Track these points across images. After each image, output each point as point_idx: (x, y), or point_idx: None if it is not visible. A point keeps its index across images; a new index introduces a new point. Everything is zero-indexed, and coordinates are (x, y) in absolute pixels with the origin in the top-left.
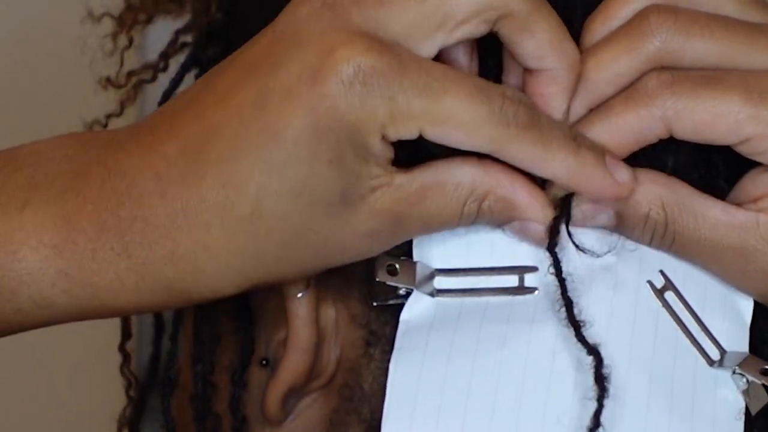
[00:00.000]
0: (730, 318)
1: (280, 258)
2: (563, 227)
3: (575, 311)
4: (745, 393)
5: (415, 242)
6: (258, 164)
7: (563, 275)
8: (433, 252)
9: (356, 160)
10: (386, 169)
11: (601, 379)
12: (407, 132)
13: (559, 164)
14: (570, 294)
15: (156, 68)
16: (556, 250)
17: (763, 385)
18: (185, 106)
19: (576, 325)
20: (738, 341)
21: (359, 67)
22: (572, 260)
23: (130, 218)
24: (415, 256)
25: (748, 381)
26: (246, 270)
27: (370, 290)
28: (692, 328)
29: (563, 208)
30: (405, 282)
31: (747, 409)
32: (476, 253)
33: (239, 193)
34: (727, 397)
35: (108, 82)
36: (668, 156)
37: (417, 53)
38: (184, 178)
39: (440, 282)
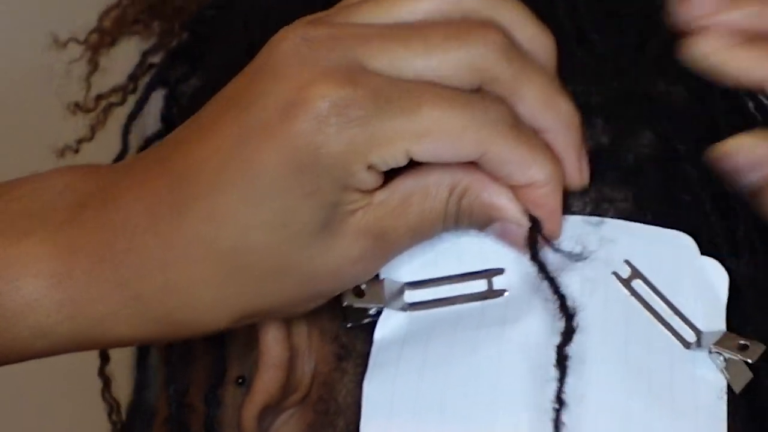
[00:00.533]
0: (704, 297)
1: (272, 290)
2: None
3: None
4: (725, 371)
5: None
6: (238, 198)
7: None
8: (402, 267)
9: (334, 191)
10: (365, 192)
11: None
12: (393, 157)
13: (541, 168)
14: (528, 293)
15: (126, 90)
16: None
17: (745, 361)
18: (175, 141)
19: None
20: (715, 320)
21: (333, 102)
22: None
23: (124, 251)
24: (382, 273)
25: (725, 359)
26: (238, 303)
27: (341, 312)
28: (665, 313)
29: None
30: (374, 301)
31: (730, 388)
32: (444, 263)
33: (221, 227)
34: (706, 378)
35: (76, 107)
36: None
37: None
38: (172, 214)
39: (410, 296)
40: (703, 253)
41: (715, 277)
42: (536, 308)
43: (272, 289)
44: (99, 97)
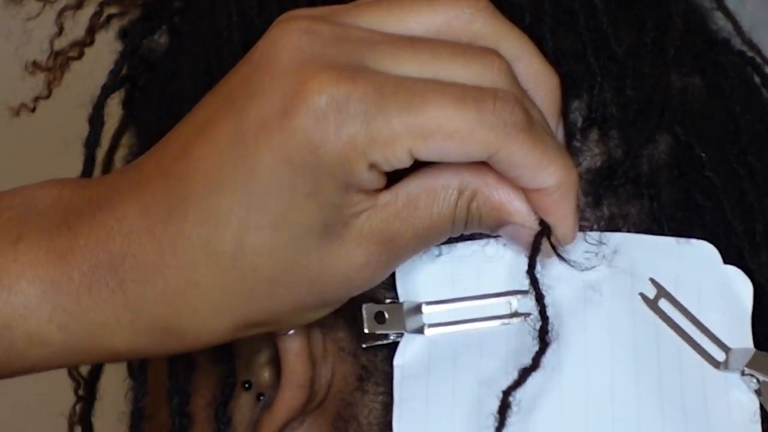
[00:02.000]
0: (730, 309)
1: (273, 296)
2: (547, 241)
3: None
4: (758, 393)
5: (398, 276)
6: (237, 199)
7: (543, 294)
8: (419, 285)
9: (335, 191)
10: (369, 194)
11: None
12: (396, 156)
13: (552, 173)
14: (557, 318)
15: (83, 44)
16: (543, 268)
17: None
18: (172, 140)
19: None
20: (741, 333)
21: (332, 98)
22: (564, 278)
23: (121, 254)
24: (400, 291)
25: (758, 380)
26: (239, 309)
27: (358, 333)
28: (692, 331)
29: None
30: (395, 328)
31: (762, 408)
32: (463, 283)
33: (221, 229)
34: (740, 400)
35: (35, 66)
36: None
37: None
38: (169, 215)
39: (429, 316)
40: (725, 261)
41: (740, 286)
42: (571, 337)
43: (275, 295)
44: (57, 54)
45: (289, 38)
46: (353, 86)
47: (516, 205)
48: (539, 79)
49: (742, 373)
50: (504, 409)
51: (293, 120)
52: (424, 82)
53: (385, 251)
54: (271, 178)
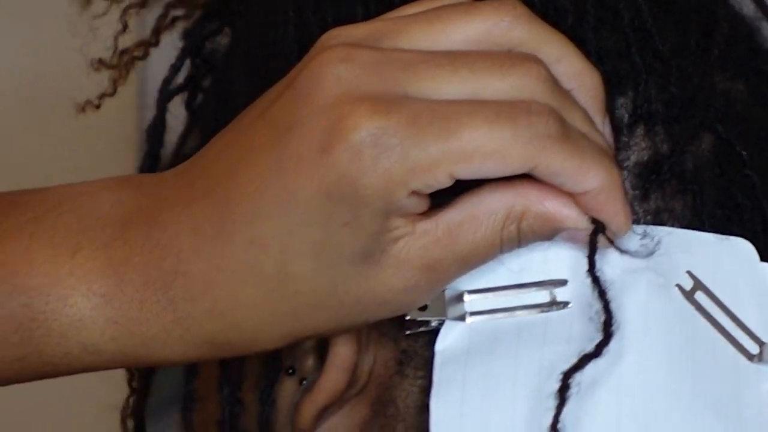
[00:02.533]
0: (766, 305)
1: (316, 316)
2: (602, 235)
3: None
4: None
5: None
6: (278, 226)
7: (601, 282)
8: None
9: (374, 219)
10: (408, 219)
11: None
12: (436, 180)
13: (593, 178)
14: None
15: (148, 44)
16: (596, 257)
17: None
18: (219, 153)
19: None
20: None
21: (368, 133)
22: (604, 271)
23: (172, 272)
24: None
25: None
26: (284, 326)
27: (400, 319)
28: (727, 324)
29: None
30: (436, 314)
31: None
32: (504, 273)
33: (265, 253)
34: None
35: (101, 64)
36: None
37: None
38: (217, 235)
39: (471, 304)
40: (763, 259)
41: None
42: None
43: (319, 315)
44: (123, 52)
45: (329, 68)
46: (387, 119)
47: (566, 212)
48: (581, 79)
49: None
50: (564, 390)
51: (330, 157)
52: (458, 104)
53: (424, 277)
54: (310, 208)
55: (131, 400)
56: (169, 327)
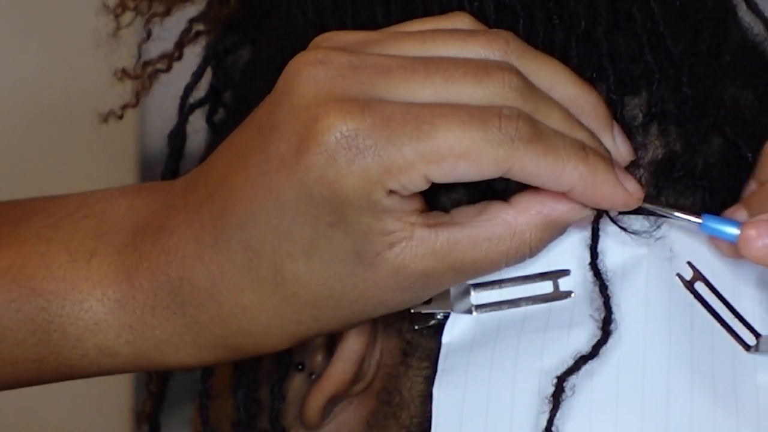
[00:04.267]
0: (764, 299)
1: (318, 317)
2: (604, 218)
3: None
4: None
5: None
6: (269, 229)
7: (607, 285)
8: None
9: (361, 219)
10: (406, 222)
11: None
12: (412, 182)
13: (571, 173)
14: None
15: (171, 57)
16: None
17: None
18: (218, 160)
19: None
20: None
21: (341, 134)
22: (606, 258)
23: (178, 279)
24: None
25: None
26: (288, 329)
27: (406, 314)
28: (726, 316)
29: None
30: (441, 307)
31: None
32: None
33: (259, 256)
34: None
35: (124, 74)
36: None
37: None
38: (216, 242)
39: (476, 297)
40: None
41: None
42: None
43: (320, 315)
44: (146, 64)
45: (305, 69)
46: (361, 121)
47: (565, 211)
48: (578, 103)
49: None
50: (558, 393)
51: (307, 158)
52: (431, 107)
53: (419, 282)
54: (295, 210)
55: (147, 403)
56: (180, 331)
